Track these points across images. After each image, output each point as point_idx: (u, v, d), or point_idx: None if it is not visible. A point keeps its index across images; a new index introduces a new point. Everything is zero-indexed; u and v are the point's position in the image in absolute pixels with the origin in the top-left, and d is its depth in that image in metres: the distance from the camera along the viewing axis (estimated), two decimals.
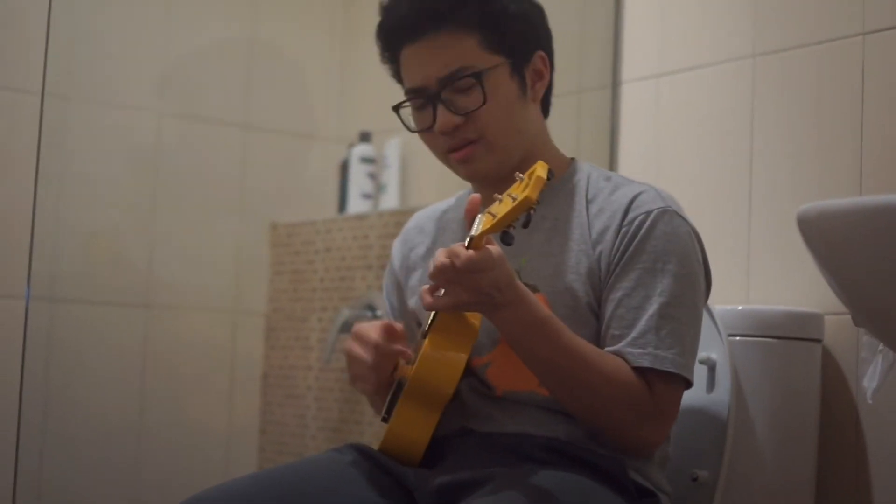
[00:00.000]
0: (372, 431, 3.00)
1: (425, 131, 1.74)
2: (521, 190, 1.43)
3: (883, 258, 1.37)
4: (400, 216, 3.02)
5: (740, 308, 2.08)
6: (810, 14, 2.22)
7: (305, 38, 3.51)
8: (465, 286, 1.49)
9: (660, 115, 2.48)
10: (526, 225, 1.44)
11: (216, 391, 3.30)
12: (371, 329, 1.67)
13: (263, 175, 3.39)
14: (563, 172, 1.77)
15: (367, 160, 3.34)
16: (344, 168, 3.38)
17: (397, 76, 1.78)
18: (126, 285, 3.12)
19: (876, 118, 2.09)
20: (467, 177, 1.78)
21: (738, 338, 2.03)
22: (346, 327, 3.02)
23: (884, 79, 2.09)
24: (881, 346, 1.75)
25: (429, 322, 1.64)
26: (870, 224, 1.34)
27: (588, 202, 1.72)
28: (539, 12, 1.79)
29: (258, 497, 1.55)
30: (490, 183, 1.72)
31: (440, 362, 1.60)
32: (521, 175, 1.45)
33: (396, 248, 1.93)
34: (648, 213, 1.67)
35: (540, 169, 1.42)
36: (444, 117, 1.70)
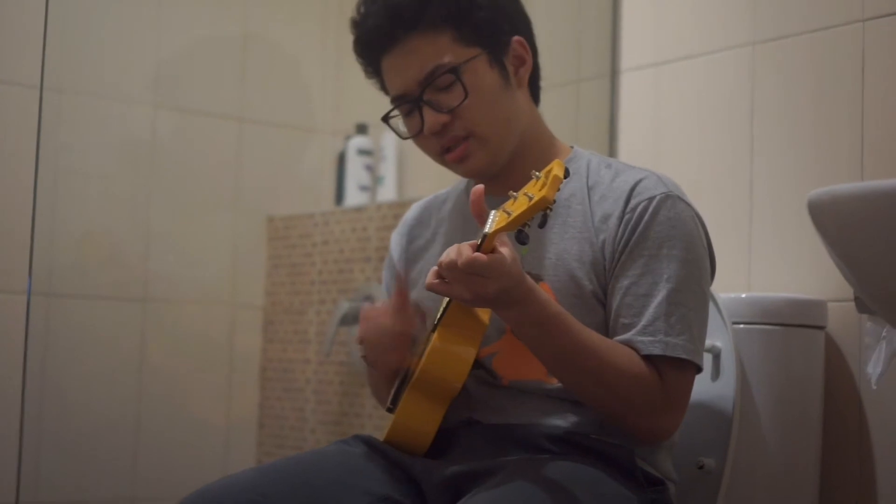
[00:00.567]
0: (372, 424, 3.00)
1: (417, 136, 1.74)
2: (537, 189, 1.40)
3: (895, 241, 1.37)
4: (398, 208, 3.01)
5: (743, 296, 2.08)
6: (809, 1, 2.21)
7: (301, 29, 3.50)
8: (468, 287, 1.48)
9: (659, 103, 2.48)
10: (542, 224, 1.42)
11: (214, 385, 3.29)
12: (378, 305, 1.68)
13: (260, 168, 3.38)
14: (562, 160, 1.76)
15: (364, 152, 3.33)
16: (341, 160, 3.37)
17: (384, 89, 1.78)
18: (122, 279, 3.11)
19: (876, 104, 2.09)
20: (466, 175, 1.77)
21: (741, 325, 2.03)
22: (346, 320, 3.02)
23: (884, 65, 2.09)
24: (885, 332, 1.75)
25: (438, 315, 1.63)
26: (883, 208, 1.33)
27: (589, 189, 1.72)
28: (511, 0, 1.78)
29: (266, 489, 1.54)
30: (491, 177, 1.72)
31: (449, 356, 1.59)
32: (537, 173, 1.42)
33: (395, 240, 1.92)
34: (651, 198, 1.66)
35: (557, 168, 1.39)
36: (430, 118, 1.70)
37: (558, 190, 1.39)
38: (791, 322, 2.05)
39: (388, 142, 3.27)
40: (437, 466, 1.60)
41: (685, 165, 2.40)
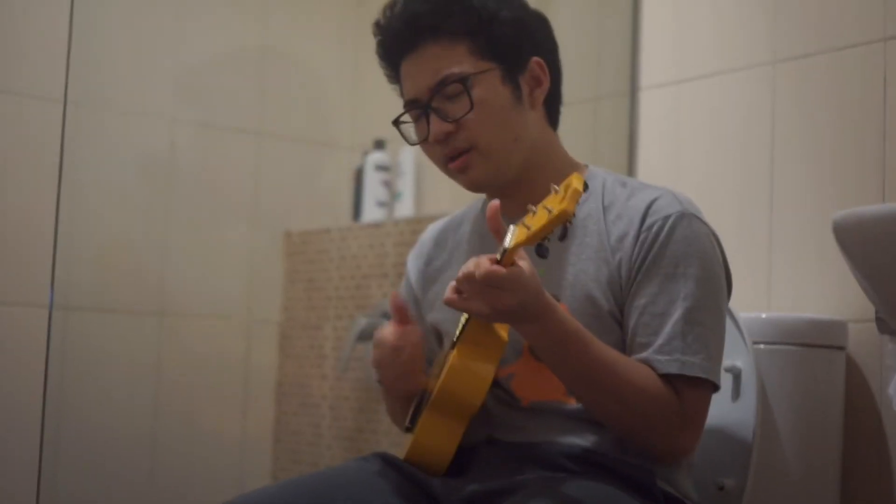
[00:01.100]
0: (388, 440, 2.99)
1: (423, 142, 1.74)
2: (557, 202, 1.39)
3: None
4: (415, 224, 3.01)
5: (764, 316, 2.07)
6: (830, 20, 2.21)
7: (319, 45, 3.51)
8: (486, 300, 1.47)
9: (679, 122, 2.48)
10: (563, 237, 1.42)
11: (230, 400, 3.29)
12: (388, 328, 1.68)
13: (277, 183, 3.38)
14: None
15: (381, 168, 3.34)
16: (358, 176, 3.38)
17: (402, 96, 1.78)
18: (140, 294, 3.11)
19: None
20: (468, 186, 1.76)
21: (761, 345, 2.02)
22: (364, 335, 3.01)
23: None
24: None
25: (457, 333, 1.62)
26: None
27: (605, 209, 1.71)
28: (539, 21, 1.78)
29: None
30: (494, 192, 1.72)
31: (469, 374, 1.58)
32: (556, 187, 1.41)
33: (412, 261, 1.92)
34: (667, 217, 1.66)
35: (576, 181, 1.39)
36: (435, 126, 1.70)
37: (577, 202, 1.39)
38: (811, 342, 2.04)
39: (406, 157, 3.27)
40: (456, 485, 1.60)
41: (705, 184, 2.39)
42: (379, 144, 3.36)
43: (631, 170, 2.53)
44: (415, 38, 1.71)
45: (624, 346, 1.65)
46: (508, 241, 1.45)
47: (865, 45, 2.15)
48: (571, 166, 1.77)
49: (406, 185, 3.28)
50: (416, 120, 1.75)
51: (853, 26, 2.17)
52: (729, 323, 1.75)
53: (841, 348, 2.07)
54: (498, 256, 1.46)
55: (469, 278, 1.46)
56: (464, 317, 1.63)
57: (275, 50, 3.42)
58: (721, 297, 1.68)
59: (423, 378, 1.68)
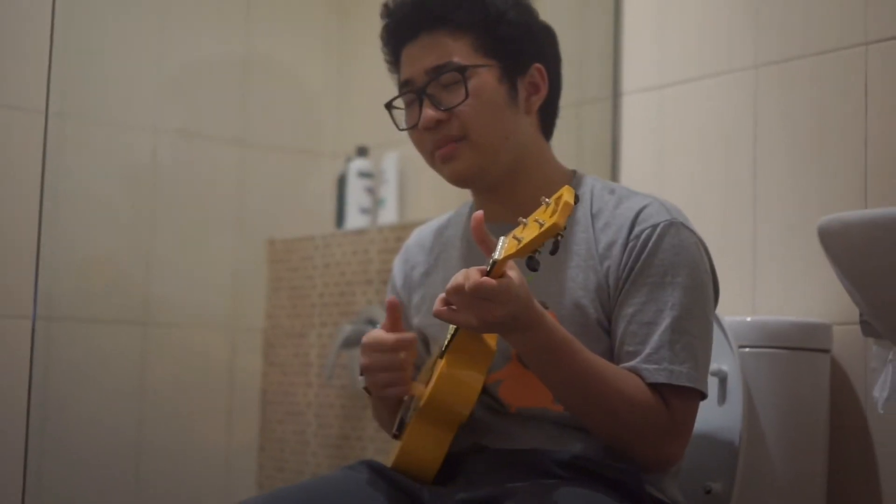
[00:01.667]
0: (374, 447, 2.99)
1: (413, 129, 1.75)
2: (548, 215, 1.38)
3: None
4: (399, 231, 3.01)
5: (749, 319, 2.07)
6: (812, 24, 2.22)
7: (301, 53, 3.51)
8: (476, 312, 1.47)
9: (662, 126, 2.48)
10: (554, 251, 1.41)
11: (215, 408, 3.29)
12: (379, 332, 1.67)
13: (260, 191, 3.38)
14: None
15: (364, 175, 3.33)
16: (341, 183, 3.37)
17: (398, 80, 1.79)
18: (123, 303, 3.11)
19: (880, 128, 2.09)
20: (451, 178, 1.75)
21: (746, 349, 2.02)
22: (348, 343, 3.01)
23: (887, 88, 2.10)
24: (892, 356, 1.74)
25: (446, 342, 1.62)
26: (893, 233, 1.34)
27: (593, 216, 1.72)
28: (546, 31, 1.80)
29: None
30: (477, 190, 1.74)
31: (457, 383, 1.58)
32: (547, 199, 1.41)
33: (397, 266, 1.92)
34: (655, 226, 1.66)
35: (567, 194, 1.38)
36: (428, 112, 1.71)
37: (569, 216, 1.39)
38: (797, 345, 2.05)
39: (389, 164, 3.27)
40: (444, 493, 1.60)
41: (688, 188, 2.40)
42: (362, 151, 3.35)
43: (614, 174, 2.53)
44: (422, 24, 1.72)
45: (612, 356, 1.66)
46: (498, 252, 1.45)
47: (847, 50, 2.16)
48: (561, 175, 1.78)
49: (389, 192, 3.28)
50: (408, 105, 1.76)
51: (835, 31, 2.18)
52: (714, 327, 1.75)
53: (826, 351, 2.08)
54: (487, 268, 1.46)
55: (458, 290, 1.46)
56: (452, 325, 1.63)
57: (257, 58, 3.42)
58: (708, 305, 1.69)
59: (410, 384, 1.68)
